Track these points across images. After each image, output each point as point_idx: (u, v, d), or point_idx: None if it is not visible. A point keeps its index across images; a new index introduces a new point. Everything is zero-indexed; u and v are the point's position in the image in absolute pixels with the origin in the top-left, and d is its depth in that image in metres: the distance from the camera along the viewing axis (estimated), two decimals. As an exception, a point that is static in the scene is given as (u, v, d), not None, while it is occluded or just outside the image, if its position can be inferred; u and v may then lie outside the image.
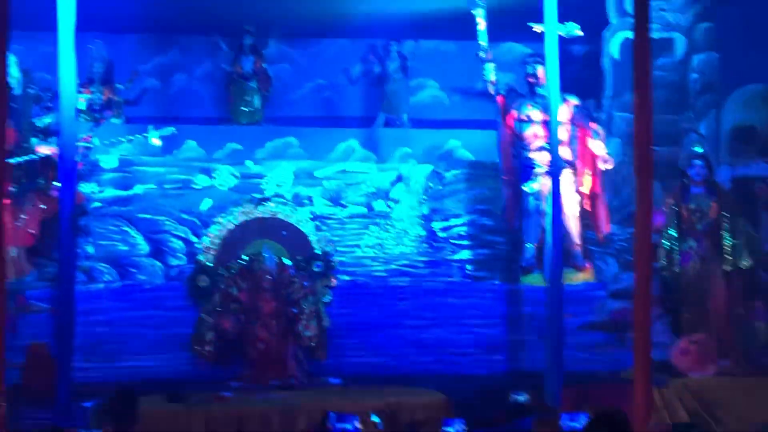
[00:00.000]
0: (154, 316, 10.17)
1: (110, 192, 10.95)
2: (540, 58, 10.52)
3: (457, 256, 11.10)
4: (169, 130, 10.99)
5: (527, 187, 10.47)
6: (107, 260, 10.73)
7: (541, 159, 10.37)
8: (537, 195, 10.43)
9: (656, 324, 9.55)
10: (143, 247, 10.88)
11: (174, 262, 10.88)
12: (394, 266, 11.01)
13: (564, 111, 10.29)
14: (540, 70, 10.36)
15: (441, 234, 11.14)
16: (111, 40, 12.48)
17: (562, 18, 9.26)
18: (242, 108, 12.44)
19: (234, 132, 12.19)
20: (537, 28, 9.65)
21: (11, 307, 9.00)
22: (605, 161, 10.48)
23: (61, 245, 8.36)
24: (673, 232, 9.98)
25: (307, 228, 10.69)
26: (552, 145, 8.52)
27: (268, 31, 12.51)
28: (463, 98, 12.61)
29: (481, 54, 10.42)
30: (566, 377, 8.71)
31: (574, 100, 10.49)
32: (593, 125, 10.54)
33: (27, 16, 8.00)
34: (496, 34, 11.36)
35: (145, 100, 12.80)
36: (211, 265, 10.45)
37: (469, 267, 11.07)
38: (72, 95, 8.38)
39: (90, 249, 10.72)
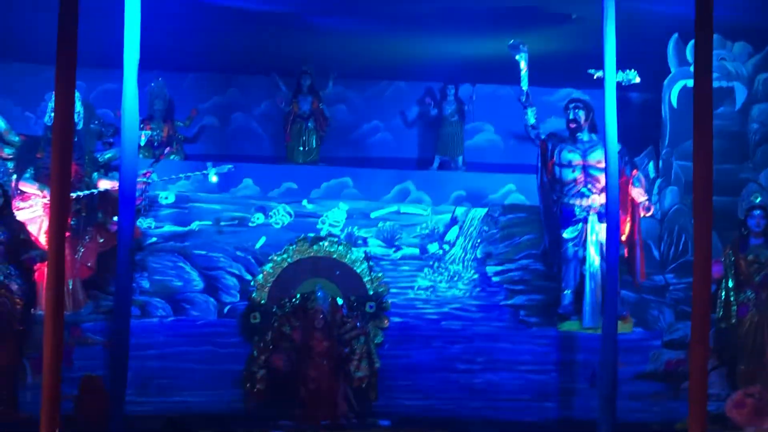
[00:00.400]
0: (206, 352, 10.23)
1: (167, 228, 11.07)
2: (581, 103, 10.55)
3: (510, 301, 11.04)
4: (227, 167, 11.10)
5: (566, 233, 10.43)
6: (162, 295, 10.82)
7: (581, 204, 10.35)
8: (576, 241, 10.39)
9: (712, 375, 9.43)
10: (198, 283, 10.96)
11: (228, 298, 10.93)
12: (446, 309, 10.97)
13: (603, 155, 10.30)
14: (582, 116, 10.37)
15: (494, 278, 11.09)
16: (172, 78, 12.73)
17: (622, 65, 9.24)
18: (299, 147, 12.57)
19: (290, 171, 12.30)
20: (596, 74, 9.66)
21: (67, 338, 9.11)
22: (646, 209, 10.41)
23: (117, 279, 8.43)
24: (730, 283, 9.85)
25: (361, 268, 10.71)
26: (610, 193, 8.46)
27: (326, 71, 12.65)
28: (519, 142, 12.63)
29: (522, 99, 10.45)
30: (619, 427, 8.58)
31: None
32: (635, 172, 10.48)
33: (90, 52, 8.18)
34: (555, 80, 11.40)
35: (204, 138, 13.01)
36: (264, 302, 10.50)
37: (522, 312, 11.00)
38: (134, 131, 8.48)
39: (145, 283, 10.82)
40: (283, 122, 12.75)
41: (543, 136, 10.64)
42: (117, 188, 9.36)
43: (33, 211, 10.16)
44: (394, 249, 11.19)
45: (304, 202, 11.43)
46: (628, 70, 10.19)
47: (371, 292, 10.60)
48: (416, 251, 11.19)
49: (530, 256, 11.16)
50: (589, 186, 10.40)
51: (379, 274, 10.74)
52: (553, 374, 10.31)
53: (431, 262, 11.13)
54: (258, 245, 11.08)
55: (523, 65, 10.33)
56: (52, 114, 9.94)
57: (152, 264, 10.91)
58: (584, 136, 10.50)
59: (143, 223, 10.82)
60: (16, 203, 10.00)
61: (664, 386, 10.29)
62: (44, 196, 10.01)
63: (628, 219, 10.46)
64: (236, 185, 11.94)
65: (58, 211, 6.81)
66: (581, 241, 10.36)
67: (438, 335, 10.50)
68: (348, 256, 10.76)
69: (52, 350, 6.64)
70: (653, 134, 11.57)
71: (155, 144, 12.41)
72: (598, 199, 10.27)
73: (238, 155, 12.57)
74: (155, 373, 9.96)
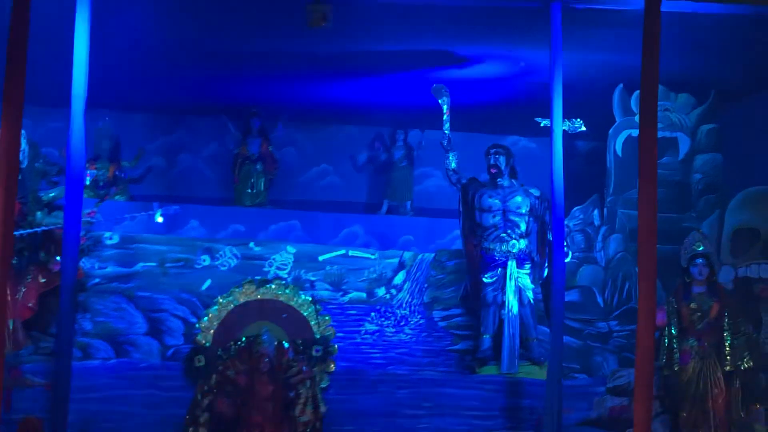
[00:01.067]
0: (149, 396, 10.07)
1: (111, 268, 10.93)
2: (501, 149, 10.68)
3: (456, 346, 11.03)
4: (173, 208, 11.02)
5: (486, 278, 10.52)
6: (104, 337, 10.65)
7: (500, 249, 10.46)
8: (495, 285, 10.48)
9: (655, 422, 9.48)
10: (141, 325, 10.81)
11: (171, 341, 10.80)
12: (393, 354, 10.93)
13: (526, 203, 10.45)
14: (502, 161, 10.48)
15: (441, 323, 11.10)
16: (119, 118, 12.64)
17: (568, 114, 9.38)
18: (247, 190, 12.55)
19: (238, 213, 12.27)
20: (543, 122, 9.79)
21: (6, 380, 8.92)
22: (564, 253, 10.54)
23: (60, 320, 8.31)
24: (673, 330, 9.95)
25: (308, 312, 10.66)
26: (556, 236, 8.55)
27: (275, 114, 12.67)
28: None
29: (444, 143, 10.56)
30: (563, 474, 8.60)
31: (535, 193, 10.61)
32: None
33: (36, 90, 8.11)
34: (503, 126, 11.52)
35: (150, 178, 12.93)
36: (209, 345, 10.39)
37: (468, 357, 11.01)
38: (80, 171, 8.41)
39: (87, 325, 10.66)
40: (231, 164, 12.72)
41: (464, 181, 10.74)
42: (61, 228, 9.27)
43: (-26, 250, 9.99)
44: (341, 293, 11.16)
45: (251, 244, 11.37)
46: (574, 119, 10.34)
47: (318, 336, 10.54)
48: (363, 295, 11.17)
49: (476, 301, 11.19)
50: (509, 231, 10.52)
51: (326, 318, 10.69)
52: (498, 420, 10.30)
53: (378, 307, 11.11)
54: (204, 287, 10.98)
55: (445, 109, 10.46)
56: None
57: (95, 305, 10.75)
58: (504, 181, 10.61)
59: (86, 263, 10.68)
60: (-43, 242, 9.83)
61: (608, 433, 10.34)
62: (-14, 235, 9.84)
63: (547, 264, 10.55)
64: (183, 227, 11.87)
65: (1, 249, 6.71)
66: (500, 285, 10.45)
67: (384, 380, 10.44)
68: (295, 299, 10.70)
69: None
70: (598, 182, 11.72)
71: (100, 184, 12.31)
72: (517, 245, 10.40)
73: (185, 196, 12.50)
74: (97, 416, 9.77)
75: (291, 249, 11.31)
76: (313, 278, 11.19)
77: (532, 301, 10.56)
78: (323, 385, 10.26)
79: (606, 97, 11.61)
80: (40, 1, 7.19)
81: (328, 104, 12.51)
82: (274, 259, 11.20)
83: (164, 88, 12.01)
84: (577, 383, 10.41)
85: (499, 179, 10.60)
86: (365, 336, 11.00)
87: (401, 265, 11.28)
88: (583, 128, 10.50)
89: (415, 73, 11.33)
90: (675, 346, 9.92)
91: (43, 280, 10.25)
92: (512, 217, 10.52)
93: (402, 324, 11.07)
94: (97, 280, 10.81)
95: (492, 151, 10.67)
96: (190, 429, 9.77)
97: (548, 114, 8.68)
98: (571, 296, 10.97)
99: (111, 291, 10.81)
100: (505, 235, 10.50)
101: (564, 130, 8.98)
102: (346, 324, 10.97)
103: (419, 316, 11.12)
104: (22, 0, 6.79)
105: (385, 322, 11.07)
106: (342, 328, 10.86)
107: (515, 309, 10.37)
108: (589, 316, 10.91)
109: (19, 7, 6.81)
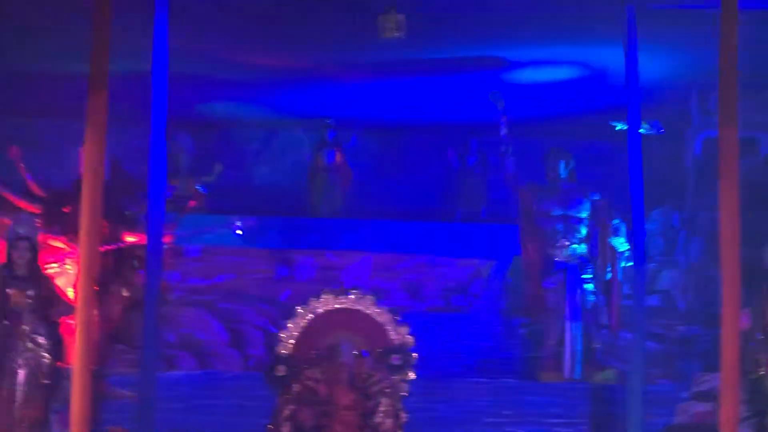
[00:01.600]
0: (231, 406, 10.20)
1: (192, 281, 11.12)
2: (561, 152, 10.57)
3: (534, 353, 10.97)
4: (251, 221, 11.15)
5: (546, 284, 10.44)
6: (187, 348, 10.83)
7: (561, 254, 10.37)
8: (556, 291, 10.38)
9: (742, 427, 9.32)
10: (223, 336, 10.97)
11: (253, 351, 10.93)
12: (472, 362, 10.93)
13: (586, 207, 10.34)
14: (562, 165, 10.38)
15: (520, 330, 11.06)
16: (196, 133, 12.84)
17: (645, 116, 9.28)
18: (323, 200, 12.63)
19: (314, 224, 12.36)
20: (618, 126, 9.71)
21: (94, 392, 9.10)
22: (627, 258, 10.40)
23: (144, 332, 8.48)
24: (758, 335, 9.77)
25: (386, 321, 10.68)
26: (637, 240, 8.45)
27: (349, 125, 12.75)
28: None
29: (502, 147, 10.50)
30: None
31: (595, 196, 10.50)
32: (615, 221, 10.50)
33: (117, 108, 8.29)
34: (575, 131, 11.44)
35: (228, 192, 13.07)
36: (290, 355, 10.47)
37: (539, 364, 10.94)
38: (161, 186, 8.58)
39: (171, 337, 10.85)
40: (306, 175, 12.83)
41: (522, 186, 10.67)
42: (143, 242, 9.45)
43: (60, 266, 10.24)
44: (418, 301, 11.18)
45: (328, 254, 11.46)
46: (652, 121, 10.22)
47: (396, 345, 10.56)
48: (441, 303, 11.18)
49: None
50: (569, 236, 10.42)
51: (404, 327, 10.71)
52: (580, 427, 10.20)
53: (456, 314, 11.10)
54: (282, 298, 11.10)
55: (503, 114, 10.42)
56: (80, 169, 10.13)
57: (177, 317, 10.94)
58: (564, 185, 10.52)
59: (169, 276, 10.86)
60: (44, 258, 10.07)
61: (694, 439, 10.18)
62: (71, 250, 10.08)
63: (609, 269, 10.44)
64: (260, 238, 11.99)
65: (88, 265, 6.87)
66: (561, 291, 10.35)
67: (464, 388, 10.43)
68: (373, 308, 10.74)
69: (80, 404, 6.66)
70: (675, 185, 11.56)
71: (180, 198, 12.49)
72: (578, 249, 10.30)
73: (262, 208, 12.63)
74: (182, 427, 9.93)
75: (367, 258, 11.38)
76: (390, 287, 11.23)
77: (593, 306, 10.45)
78: (403, 393, 10.27)
79: (681, 98, 11.46)
80: (120, 19, 7.34)
81: (401, 113, 12.55)
82: (350, 268, 11.27)
83: (239, 103, 12.17)
84: (659, 389, 10.26)
85: (558, 183, 10.52)
86: (444, 344, 11.00)
87: (478, 273, 11.27)
88: (662, 130, 10.37)
89: (488, 78, 11.30)
90: (761, 349, 9.74)
91: (126, 294, 10.46)
92: (572, 222, 10.43)
93: (481, 331, 11.05)
94: (179, 292, 10.99)
95: (551, 154, 10.61)
96: (273, 438, 9.89)
97: (622, 117, 8.59)
98: (651, 301, 10.83)
99: (193, 303, 11.00)
100: (565, 240, 10.41)
101: (641, 133, 8.90)
102: (425, 332, 10.97)
103: (498, 324, 11.10)
104: (104, 19, 6.95)
105: (464, 330, 11.06)
106: (420, 336, 10.88)
107: (577, 315, 10.26)
108: (670, 320, 10.75)
109: (100, 26, 6.97)
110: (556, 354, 10.37)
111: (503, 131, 10.43)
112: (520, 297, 11.15)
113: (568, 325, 10.27)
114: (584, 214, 10.42)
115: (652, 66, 10.26)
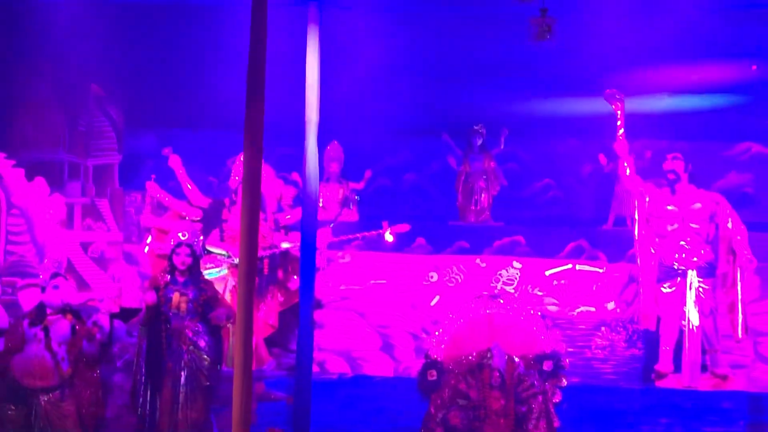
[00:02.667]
0: (383, 409, 10.31)
1: (344, 286, 11.30)
2: (679, 155, 10.24)
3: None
4: (404, 227, 11.26)
5: (665, 288, 10.11)
6: (340, 352, 11.01)
7: (680, 258, 10.01)
8: (674, 295, 10.02)
9: None
10: (374, 340, 11.10)
11: (403, 356, 11.03)
12: (625, 369, 10.74)
13: (706, 210, 9.98)
14: (680, 168, 10.11)
15: (641, 335, 10.81)
16: (346, 141, 13.04)
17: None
18: (471, 206, 12.64)
19: (463, 230, 12.37)
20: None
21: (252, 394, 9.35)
22: (749, 261, 9.98)
23: (299, 336, 8.67)
24: None
25: (537, 326, 10.62)
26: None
27: (497, 130, 12.73)
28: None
29: (616, 149, 10.34)
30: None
31: (715, 199, 10.13)
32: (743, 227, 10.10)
33: (270, 117, 8.51)
34: (732, 133, 11.13)
35: (377, 198, 13.24)
36: (441, 360, 10.52)
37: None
38: (314, 193, 8.78)
39: (324, 341, 11.05)
40: (454, 181, 12.87)
41: (639, 188, 10.40)
42: (297, 248, 9.68)
43: (219, 271, 10.58)
44: (569, 307, 11.07)
45: (478, 260, 11.47)
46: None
47: (548, 351, 10.48)
48: (593, 309, 11.04)
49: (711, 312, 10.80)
50: (688, 239, 10.09)
51: (555, 333, 10.62)
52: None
53: (608, 321, 10.94)
54: (432, 303, 11.16)
55: (619, 115, 10.19)
56: (236, 177, 10.46)
57: (330, 321, 11.13)
58: (683, 188, 10.20)
59: (322, 281, 11.07)
60: (204, 263, 10.43)
61: None
62: (230, 256, 10.44)
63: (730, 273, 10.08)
64: (409, 244, 12.09)
65: (247, 270, 7.03)
66: (680, 295, 10.01)
67: (617, 395, 10.26)
68: (523, 314, 10.69)
69: (241, 406, 6.85)
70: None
71: (333, 204, 12.72)
72: (698, 253, 9.94)
73: (411, 215, 12.73)
74: (336, 429, 10.10)
75: (517, 264, 11.33)
76: (540, 293, 11.15)
77: (714, 311, 10.12)
78: (555, 399, 10.18)
79: None
80: (274, 29, 7.52)
81: (549, 117, 12.45)
82: (500, 274, 11.25)
83: (388, 111, 12.31)
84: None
85: (677, 185, 10.24)
86: (596, 351, 10.85)
87: (630, 279, 11.07)
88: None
89: (639, 80, 11.11)
90: None
91: (281, 299, 10.72)
92: (692, 225, 10.12)
93: (635, 338, 10.86)
94: (331, 297, 11.19)
95: (670, 157, 10.35)
96: (425, 442, 9.95)
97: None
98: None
99: (345, 308, 11.18)
100: (684, 243, 10.10)
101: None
102: (576, 338, 10.87)
103: (634, 330, 10.88)
104: (260, 29, 7.13)
105: (617, 337, 10.89)
106: (572, 342, 10.77)
107: (696, 320, 9.94)
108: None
109: (257, 36, 7.15)
110: (675, 360, 10.09)
111: (619, 132, 10.22)
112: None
113: (687, 330, 9.98)
114: (704, 217, 10.11)
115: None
